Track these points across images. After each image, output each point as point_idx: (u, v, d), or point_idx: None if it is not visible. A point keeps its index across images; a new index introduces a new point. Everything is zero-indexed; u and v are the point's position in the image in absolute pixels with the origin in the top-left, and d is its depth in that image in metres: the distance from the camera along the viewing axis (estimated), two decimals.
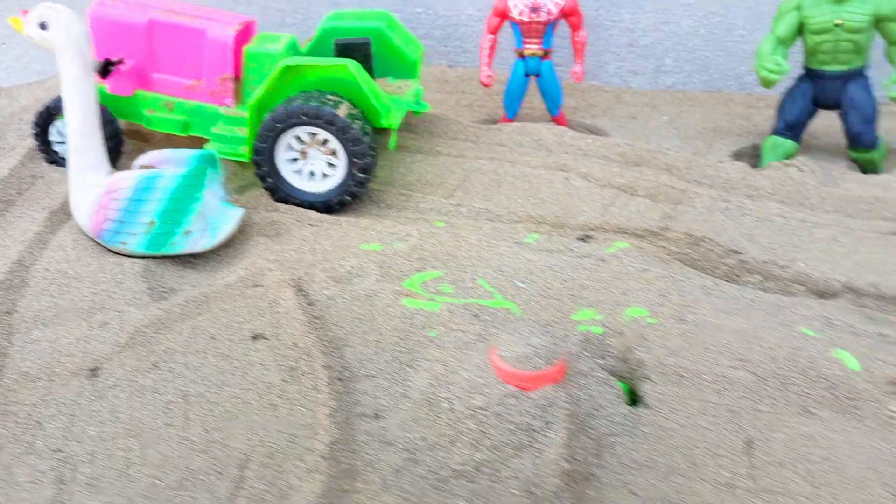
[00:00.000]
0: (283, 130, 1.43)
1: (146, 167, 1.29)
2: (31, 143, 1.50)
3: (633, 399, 1.05)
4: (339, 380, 1.04)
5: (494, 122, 1.91)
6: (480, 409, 0.95)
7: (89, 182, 1.25)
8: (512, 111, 1.89)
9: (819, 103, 1.76)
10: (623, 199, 1.56)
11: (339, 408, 0.99)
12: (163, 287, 1.18)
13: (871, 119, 1.72)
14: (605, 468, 0.93)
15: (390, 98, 1.55)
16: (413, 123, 1.78)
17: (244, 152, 1.48)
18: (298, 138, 1.45)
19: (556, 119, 1.89)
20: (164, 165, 1.29)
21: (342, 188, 1.47)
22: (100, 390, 0.94)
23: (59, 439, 0.87)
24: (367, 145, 1.42)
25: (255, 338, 1.08)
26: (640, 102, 2.09)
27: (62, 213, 1.33)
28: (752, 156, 1.86)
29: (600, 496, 0.90)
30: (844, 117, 1.74)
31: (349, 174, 1.45)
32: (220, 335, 1.08)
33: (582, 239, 1.42)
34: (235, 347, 1.06)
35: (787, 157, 1.75)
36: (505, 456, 0.91)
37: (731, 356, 1.07)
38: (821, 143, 1.87)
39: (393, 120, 1.49)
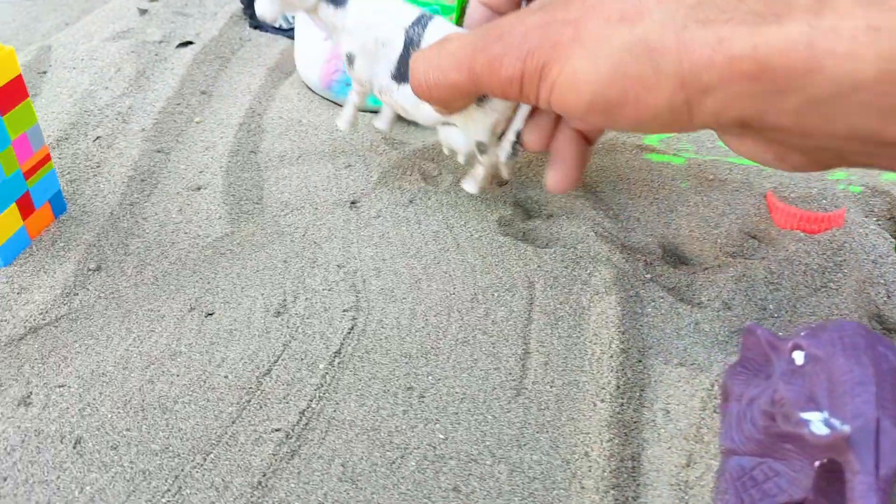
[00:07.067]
0: None
1: None
2: (232, 7, 1.49)
3: None
4: None
5: None
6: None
7: (316, 35, 1.23)
8: None
9: None
10: None
11: None
12: (395, 139, 1.16)
13: None
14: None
15: None
16: None
17: None
18: None
19: None
20: None
21: None
22: (364, 219, 0.93)
23: (340, 257, 0.86)
24: None
25: (501, 184, 1.04)
26: None
27: (279, 71, 1.32)
28: None
29: None
30: None
31: None
32: None
33: None
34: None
35: None
36: (801, 295, 0.85)
37: None
38: None
39: None
